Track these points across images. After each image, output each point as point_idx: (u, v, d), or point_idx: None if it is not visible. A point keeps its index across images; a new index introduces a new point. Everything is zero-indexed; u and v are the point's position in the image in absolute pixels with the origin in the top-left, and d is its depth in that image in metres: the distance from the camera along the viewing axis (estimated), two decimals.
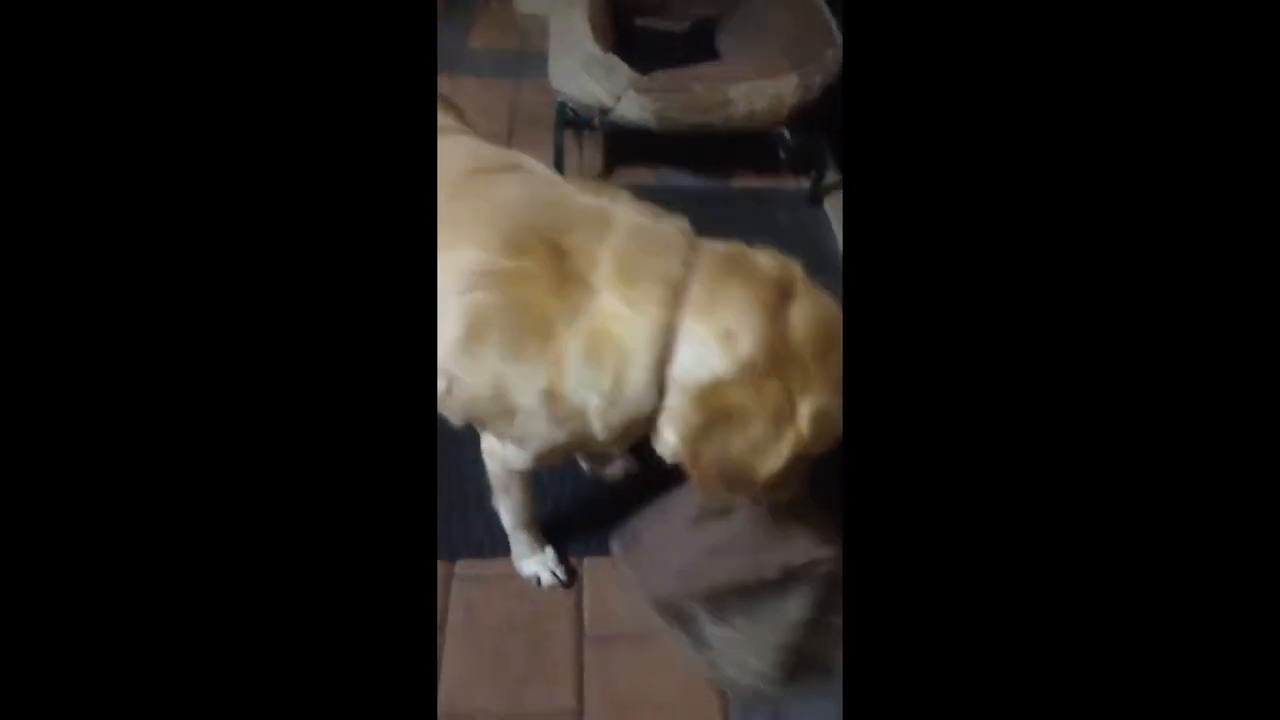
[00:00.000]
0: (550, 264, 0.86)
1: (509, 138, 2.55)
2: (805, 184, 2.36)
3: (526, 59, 2.85)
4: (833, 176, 2.37)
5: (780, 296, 0.85)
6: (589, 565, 1.42)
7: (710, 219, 2.18)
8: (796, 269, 0.91)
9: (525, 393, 0.90)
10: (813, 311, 0.86)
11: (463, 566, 1.40)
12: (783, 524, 1.04)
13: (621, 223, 0.88)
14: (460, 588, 1.37)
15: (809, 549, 1.05)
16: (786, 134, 2.23)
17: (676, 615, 1.21)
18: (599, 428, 0.91)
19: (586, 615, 1.36)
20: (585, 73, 2.13)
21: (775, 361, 0.82)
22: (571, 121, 2.23)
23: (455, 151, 1.01)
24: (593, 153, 2.49)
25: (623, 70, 2.08)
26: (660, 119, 2.10)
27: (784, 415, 0.83)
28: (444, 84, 2.78)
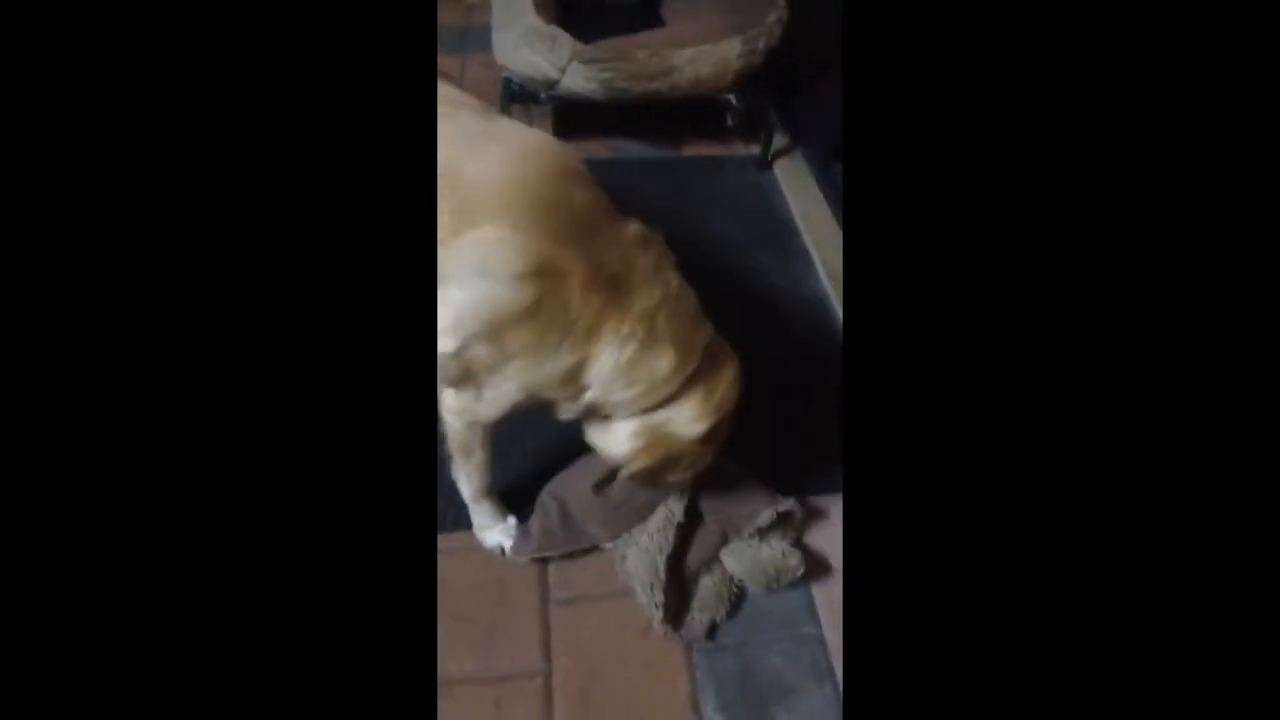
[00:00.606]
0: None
1: None
2: (754, 149, 2.38)
3: (470, 34, 2.82)
4: (780, 141, 2.39)
5: (728, 384, 1.13)
6: None
7: (662, 188, 2.23)
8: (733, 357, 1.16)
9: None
10: (733, 390, 1.12)
11: None
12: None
13: (659, 280, 1.08)
14: None
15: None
16: (734, 99, 2.24)
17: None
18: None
19: (551, 579, 1.38)
20: (528, 46, 2.11)
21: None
22: (517, 96, 2.21)
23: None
24: (542, 126, 2.48)
25: (566, 41, 2.06)
26: (607, 89, 2.09)
27: (699, 458, 1.15)
28: None
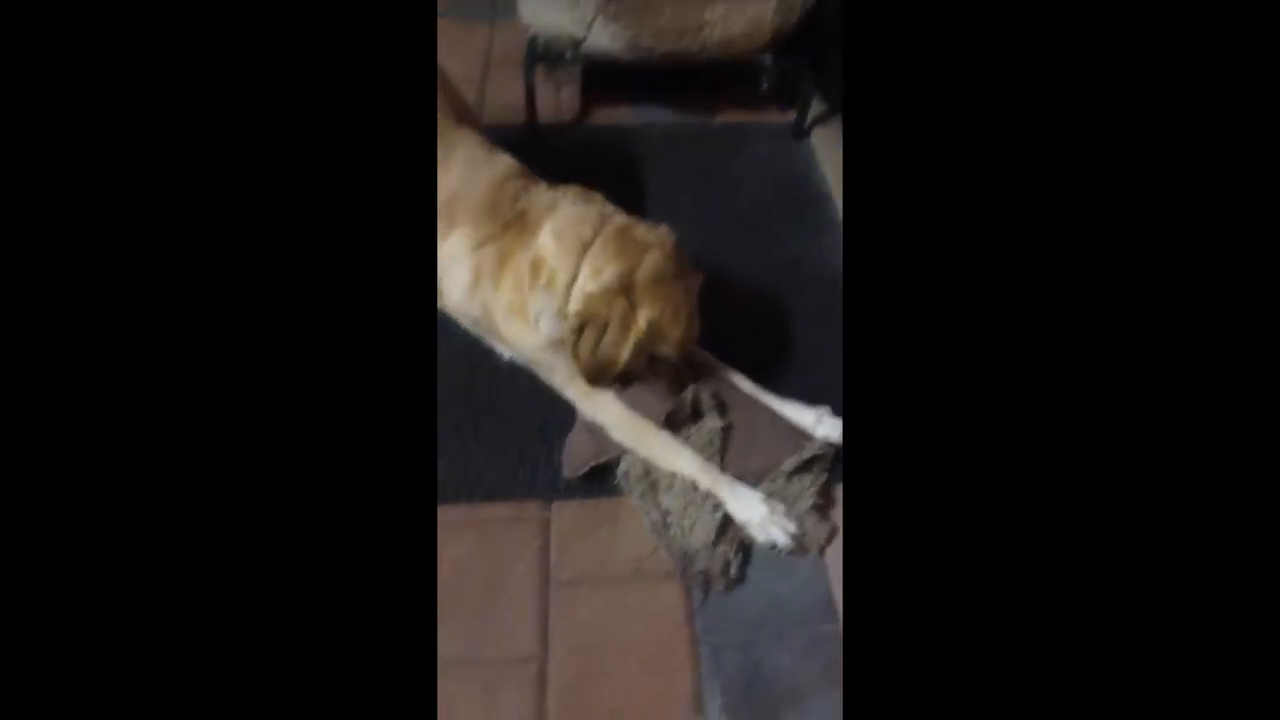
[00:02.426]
0: (518, 225, 1.37)
1: (483, 80, 2.44)
2: (790, 117, 2.24)
3: (498, 2, 2.72)
4: (818, 108, 2.25)
5: (640, 251, 1.31)
6: (557, 509, 1.36)
7: (690, 157, 2.12)
8: (665, 235, 1.35)
9: (498, 310, 1.40)
10: (655, 258, 1.30)
11: None
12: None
13: (563, 206, 1.37)
14: None
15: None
16: (769, 62, 2.10)
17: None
18: (545, 329, 1.36)
19: (552, 559, 1.29)
20: (553, 5, 2.01)
21: (623, 288, 1.28)
22: (542, 56, 2.11)
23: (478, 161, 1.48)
24: (570, 94, 2.38)
25: None
26: (632, 46, 1.98)
27: (628, 321, 1.29)
28: None
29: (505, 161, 1.46)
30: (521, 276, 1.35)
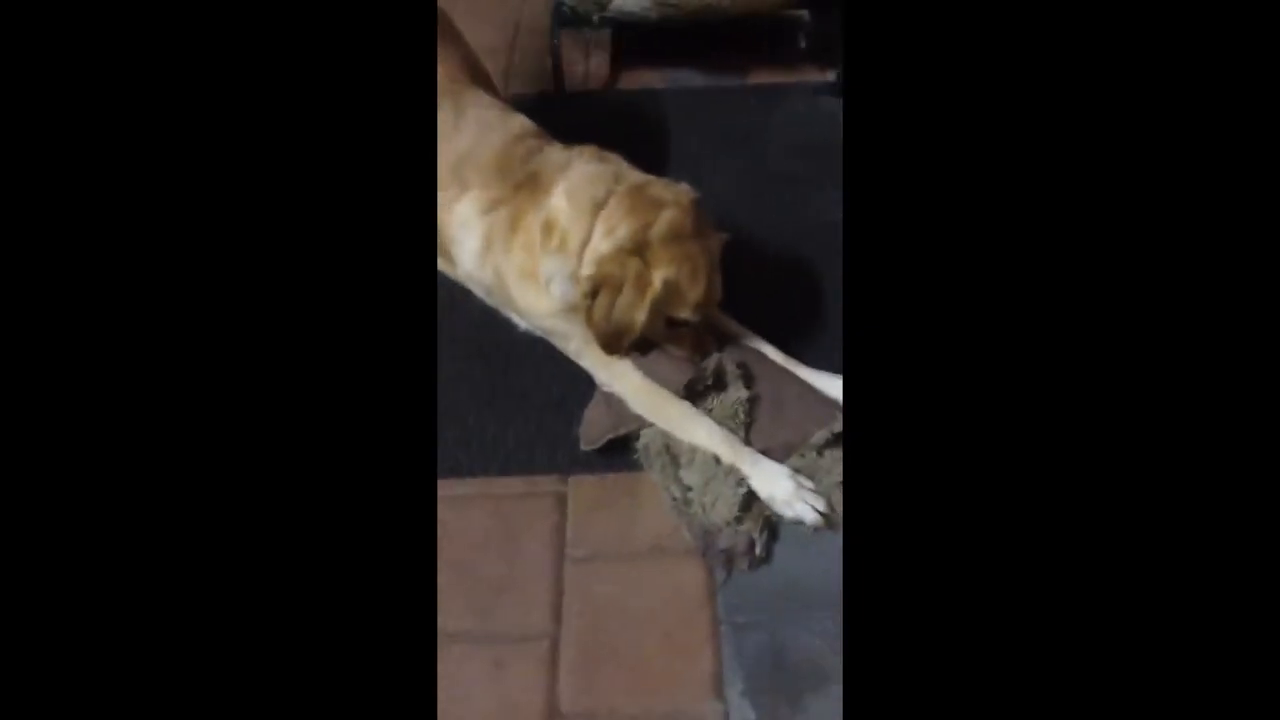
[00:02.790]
0: (530, 186, 1.32)
1: (511, 48, 2.38)
2: (830, 75, 2.12)
3: None
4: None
5: (655, 209, 1.23)
6: (574, 483, 1.31)
7: (721, 118, 2.02)
8: (684, 193, 1.27)
9: (510, 274, 1.35)
10: (671, 215, 1.23)
11: (437, 486, 1.31)
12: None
13: (576, 166, 1.31)
14: None
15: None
16: (806, 17, 1.99)
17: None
18: (558, 293, 1.30)
19: (569, 534, 1.25)
20: None
21: (637, 247, 1.22)
22: (569, 20, 2.05)
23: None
24: (600, 58, 2.31)
25: None
26: (660, 6, 1.90)
27: (643, 281, 1.21)
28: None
29: (518, 121, 1.40)
30: (533, 239, 1.29)
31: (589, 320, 1.25)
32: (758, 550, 1.19)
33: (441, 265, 1.47)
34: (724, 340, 1.37)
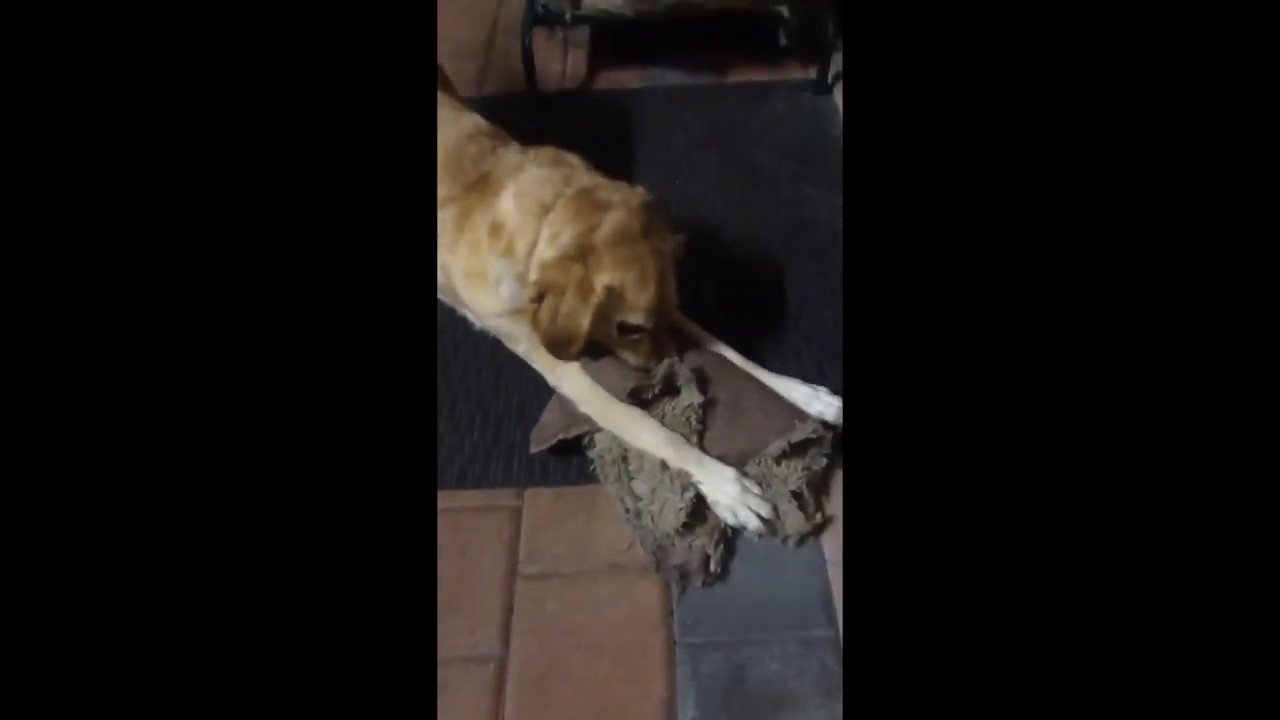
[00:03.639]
0: (481, 187, 1.28)
1: (489, 46, 2.34)
2: (812, 73, 2.06)
3: None
4: (841, 61, 2.06)
5: (600, 212, 1.19)
6: (530, 496, 1.26)
7: (700, 117, 1.97)
8: (634, 195, 1.22)
9: (456, 273, 1.31)
10: (617, 218, 1.18)
11: None
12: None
13: (528, 169, 1.26)
14: None
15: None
16: (786, 13, 1.94)
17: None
18: (506, 294, 1.28)
19: (522, 549, 1.19)
20: None
21: (581, 252, 1.17)
22: (541, 18, 2.00)
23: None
24: (577, 58, 2.26)
25: None
26: (634, 3, 1.85)
27: (586, 287, 1.16)
28: None
29: (471, 120, 1.36)
30: (479, 239, 1.25)
31: (534, 326, 1.20)
32: (712, 566, 1.13)
33: None
34: (685, 344, 1.32)
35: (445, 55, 2.29)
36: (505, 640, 1.10)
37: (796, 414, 1.22)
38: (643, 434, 1.20)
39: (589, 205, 1.19)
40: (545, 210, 1.19)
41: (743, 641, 1.08)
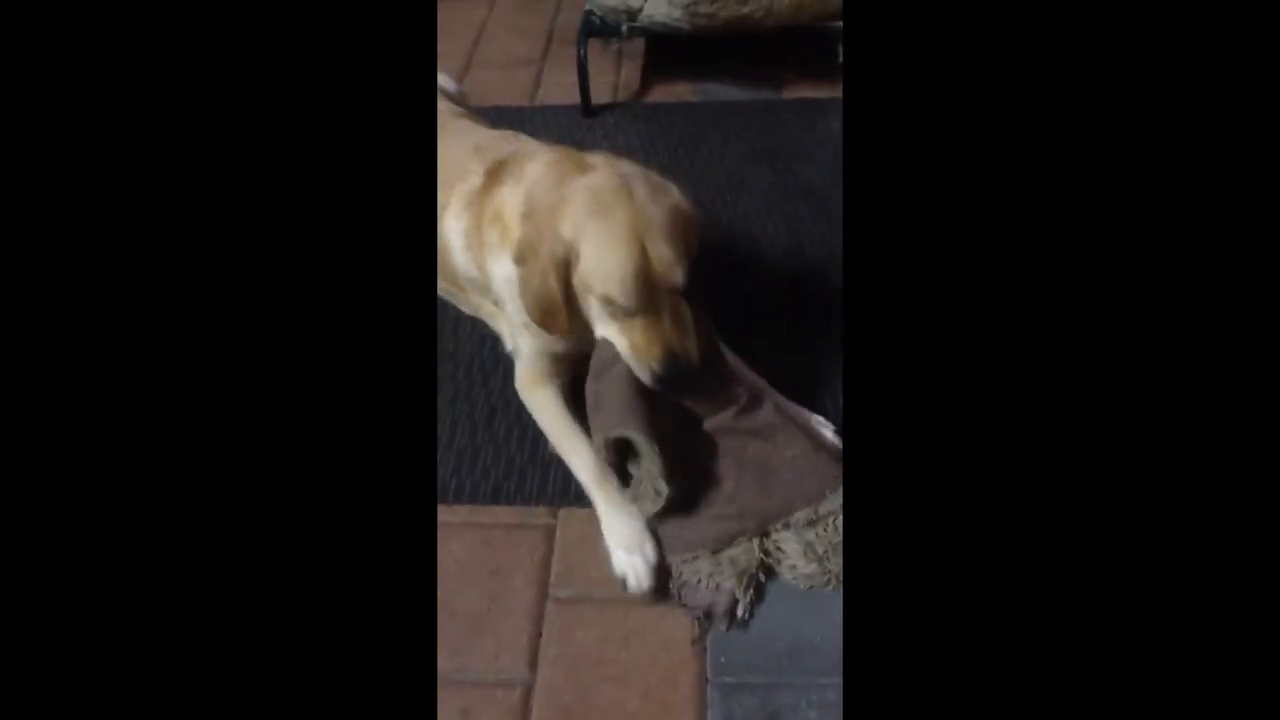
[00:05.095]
0: (495, 172, 1.26)
1: (543, 56, 2.35)
2: None
3: None
4: None
5: (581, 172, 1.14)
6: (564, 516, 1.23)
7: (752, 132, 1.93)
8: (624, 164, 1.17)
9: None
10: (594, 180, 1.11)
11: None
12: (629, 398, 1.13)
13: (535, 157, 1.24)
14: None
15: (638, 426, 1.11)
16: (843, 29, 1.89)
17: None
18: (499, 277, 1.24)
19: (554, 570, 1.17)
20: None
21: (551, 209, 1.10)
22: (597, 30, 2.00)
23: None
24: (631, 70, 2.25)
25: None
26: (691, 16, 1.83)
27: (554, 244, 1.08)
28: (477, 10, 2.61)
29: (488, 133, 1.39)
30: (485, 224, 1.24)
31: (522, 296, 1.14)
32: (740, 612, 1.08)
33: (447, 287, 1.43)
34: (729, 385, 1.20)
35: (499, 65, 2.33)
36: (533, 665, 1.07)
37: (830, 477, 1.14)
38: (574, 458, 1.21)
39: (571, 166, 1.14)
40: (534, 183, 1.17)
41: (778, 685, 1.03)
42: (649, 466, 1.09)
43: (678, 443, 1.14)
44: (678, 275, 1.07)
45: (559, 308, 1.10)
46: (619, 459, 1.17)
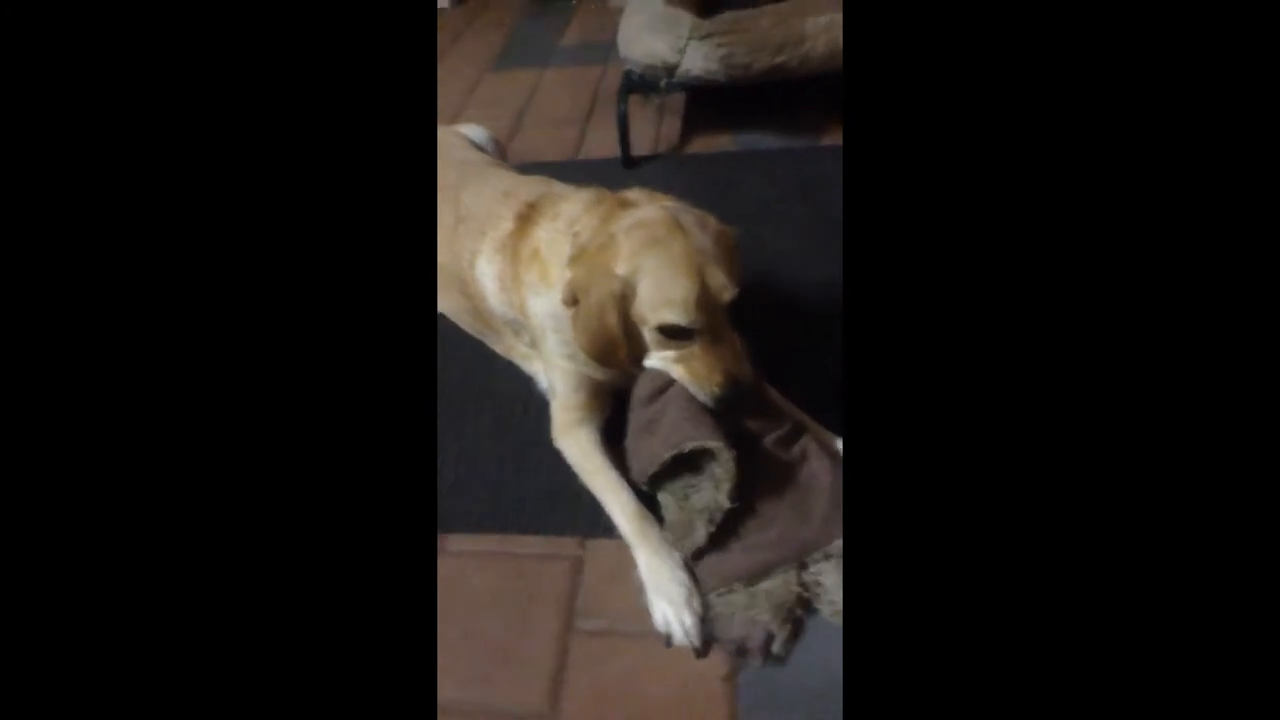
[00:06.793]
0: (528, 214, 1.32)
1: (588, 117, 2.45)
2: None
3: (615, 46, 2.77)
4: None
5: (624, 208, 1.17)
6: (591, 548, 1.20)
7: (791, 179, 1.95)
8: (664, 198, 1.21)
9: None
10: (642, 214, 1.14)
11: (452, 541, 1.24)
12: (694, 414, 1.11)
13: (569, 198, 1.30)
14: (443, 562, 1.21)
15: (710, 435, 1.08)
16: None
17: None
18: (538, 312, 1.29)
19: (580, 602, 1.13)
20: (649, 30, 1.98)
21: (600, 246, 1.13)
22: (637, 86, 2.08)
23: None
24: (672, 125, 2.32)
25: (685, 19, 1.90)
26: (727, 67, 1.89)
27: (607, 276, 1.10)
28: (529, 76, 2.77)
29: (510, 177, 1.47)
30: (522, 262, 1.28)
31: (576, 335, 1.16)
32: (775, 648, 1.02)
33: (482, 330, 1.48)
34: (770, 421, 1.18)
35: (545, 124, 2.44)
36: (555, 700, 1.03)
37: None
38: (614, 505, 1.18)
39: (613, 203, 1.18)
40: (573, 224, 1.20)
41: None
42: (718, 473, 1.07)
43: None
44: (729, 297, 1.10)
45: (618, 343, 1.12)
46: (652, 492, 1.15)
